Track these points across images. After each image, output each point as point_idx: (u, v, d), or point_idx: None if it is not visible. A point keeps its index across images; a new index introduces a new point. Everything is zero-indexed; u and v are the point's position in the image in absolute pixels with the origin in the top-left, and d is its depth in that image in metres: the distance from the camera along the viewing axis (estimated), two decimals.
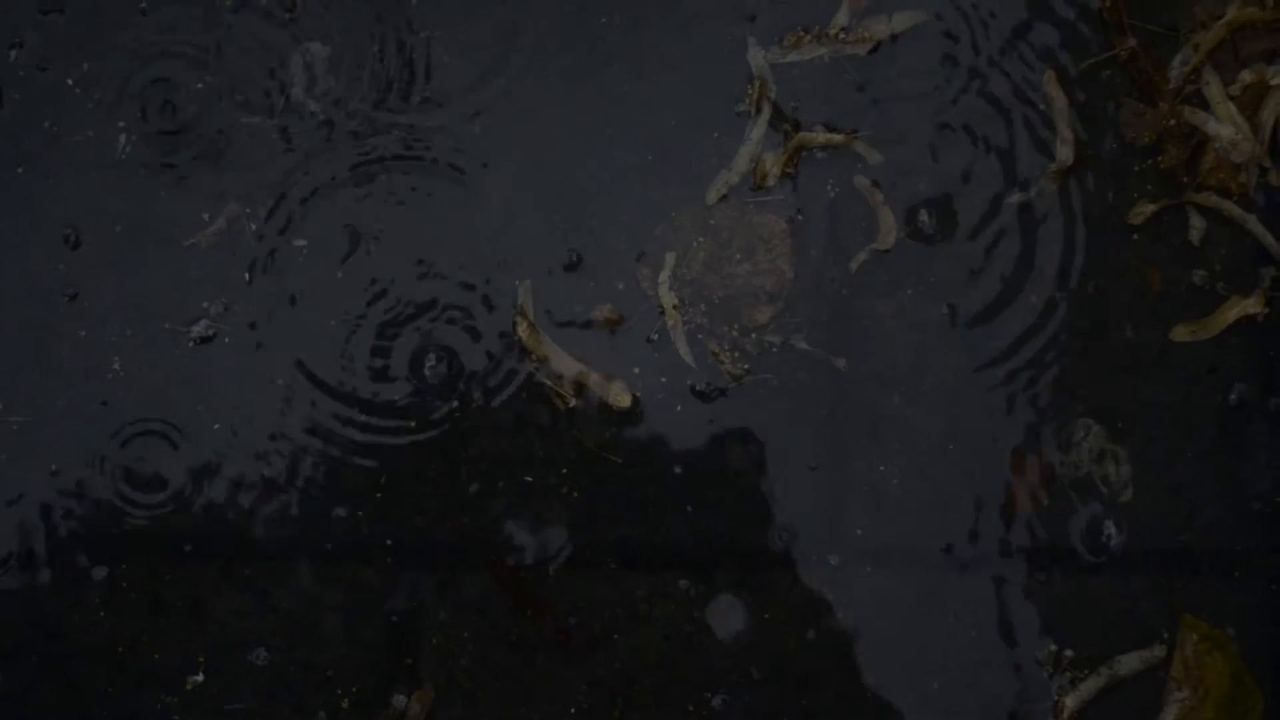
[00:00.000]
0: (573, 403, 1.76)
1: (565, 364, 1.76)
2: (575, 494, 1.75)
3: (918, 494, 1.74)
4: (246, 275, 1.77)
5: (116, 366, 1.76)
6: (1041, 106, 1.78)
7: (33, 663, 1.73)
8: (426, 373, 1.76)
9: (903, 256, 1.77)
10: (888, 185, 1.77)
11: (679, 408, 1.76)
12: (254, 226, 1.78)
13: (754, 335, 1.77)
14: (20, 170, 1.79)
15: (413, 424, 1.76)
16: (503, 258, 1.77)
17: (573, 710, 1.73)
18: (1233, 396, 1.75)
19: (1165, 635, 1.71)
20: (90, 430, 1.76)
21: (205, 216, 1.78)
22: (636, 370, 1.76)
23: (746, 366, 1.76)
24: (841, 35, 1.78)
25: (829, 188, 1.78)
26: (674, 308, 1.76)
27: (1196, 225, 1.77)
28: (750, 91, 1.78)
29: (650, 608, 1.73)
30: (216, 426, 1.75)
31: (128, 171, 1.79)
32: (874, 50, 1.78)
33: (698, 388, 1.76)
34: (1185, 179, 1.77)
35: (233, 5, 1.81)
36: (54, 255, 1.78)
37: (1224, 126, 1.76)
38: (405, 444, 1.75)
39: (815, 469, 1.74)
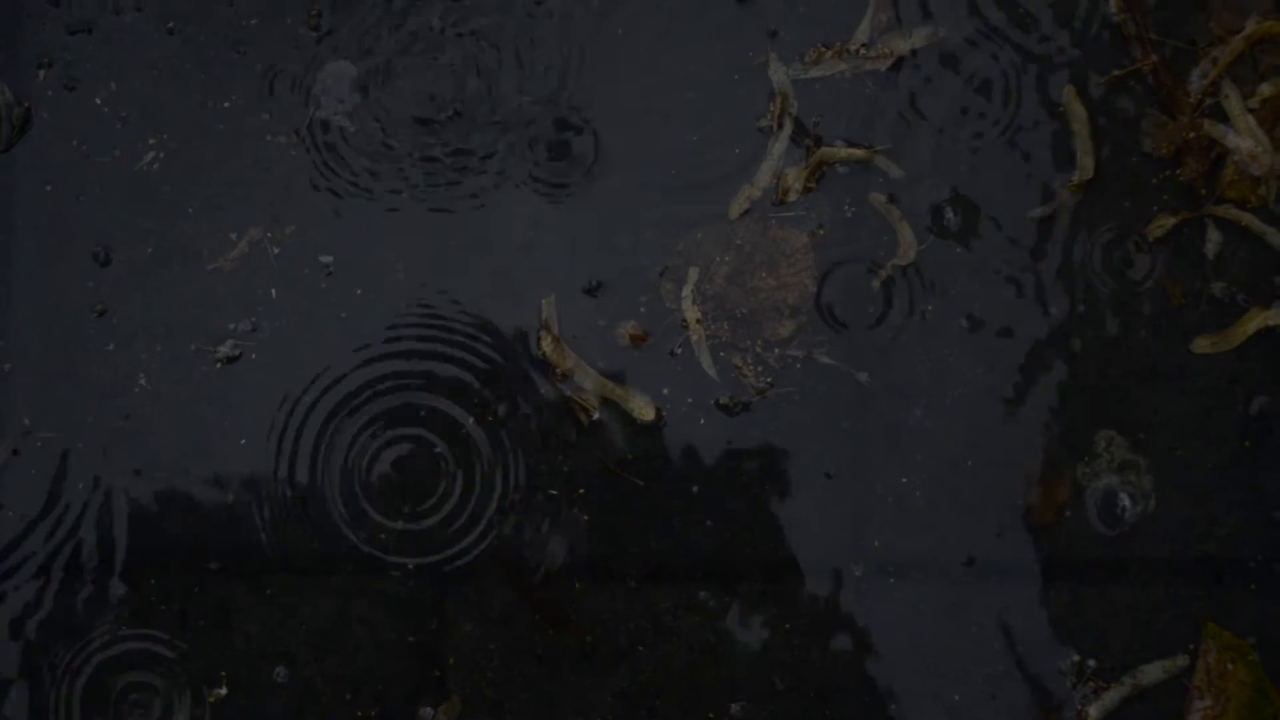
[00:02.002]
0: (596, 417, 1.76)
1: (589, 378, 1.76)
2: (599, 507, 1.76)
3: (939, 506, 1.75)
4: (273, 293, 1.78)
5: (144, 382, 1.78)
6: (1062, 117, 1.78)
7: (61, 677, 1.74)
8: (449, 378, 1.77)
9: (923, 270, 1.77)
10: (908, 200, 1.78)
11: (702, 421, 1.76)
12: (276, 250, 1.78)
13: (776, 349, 1.77)
14: (49, 188, 1.80)
15: (436, 441, 1.77)
16: (527, 273, 1.78)
17: None
18: (1253, 407, 1.75)
19: (1189, 645, 1.72)
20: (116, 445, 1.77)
21: (232, 236, 1.79)
22: (662, 386, 1.77)
23: (769, 380, 1.76)
24: (862, 51, 1.79)
25: (850, 203, 1.78)
26: (697, 322, 1.77)
27: (1213, 238, 1.77)
28: (772, 107, 1.79)
29: (674, 619, 1.74)
30: (243, 442, 1.76)
31: (155, 190, 1.80)
32: (895, 66, 1.79)
33: (721, 401, 1.76)
34: (1204, 192, 1.78)
35: (259, 24, 1.82)
36: (83, 272, 1.78)
37: (1243, 139, 1.77)
38: (430, 458, 1.76)
39: (837, 481, 1.75)
